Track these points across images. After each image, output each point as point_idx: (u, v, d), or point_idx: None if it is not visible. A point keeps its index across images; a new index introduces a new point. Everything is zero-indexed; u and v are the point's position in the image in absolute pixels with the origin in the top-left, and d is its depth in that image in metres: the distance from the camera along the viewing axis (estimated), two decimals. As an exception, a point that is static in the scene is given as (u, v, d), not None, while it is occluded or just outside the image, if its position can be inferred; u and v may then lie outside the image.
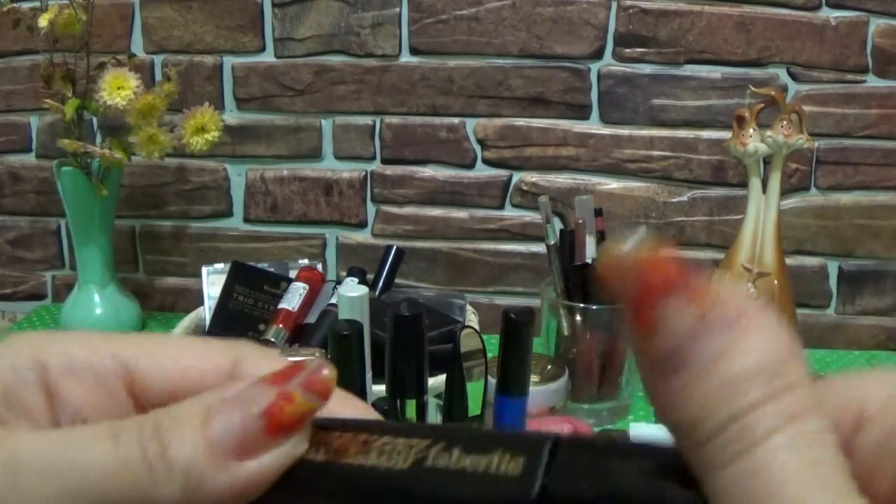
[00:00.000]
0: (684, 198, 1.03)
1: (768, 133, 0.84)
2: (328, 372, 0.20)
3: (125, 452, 0.19)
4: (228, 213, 1.09)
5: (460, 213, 1.06)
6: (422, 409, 0.56)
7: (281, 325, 0.84)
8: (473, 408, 0.60)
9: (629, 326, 0.17)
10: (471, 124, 1.04)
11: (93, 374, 0.21)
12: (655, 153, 1.02)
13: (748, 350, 0.16)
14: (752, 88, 0.93)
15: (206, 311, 0.89)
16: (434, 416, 0.63)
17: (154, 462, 0.18)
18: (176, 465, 0.18)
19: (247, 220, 1.09)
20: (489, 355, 0.63)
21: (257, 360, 0.22)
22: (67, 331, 0.23)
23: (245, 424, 0.19)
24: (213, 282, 0.91)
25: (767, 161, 0.87)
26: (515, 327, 0.58)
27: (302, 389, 0.19)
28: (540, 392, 0.75)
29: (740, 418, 0.15)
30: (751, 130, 0.85)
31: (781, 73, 0.99)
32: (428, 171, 1.06)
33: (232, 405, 0.19)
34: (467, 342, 0.71)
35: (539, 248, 1.02)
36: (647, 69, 1.00)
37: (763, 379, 0.16)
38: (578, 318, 0.84)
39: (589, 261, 0.84)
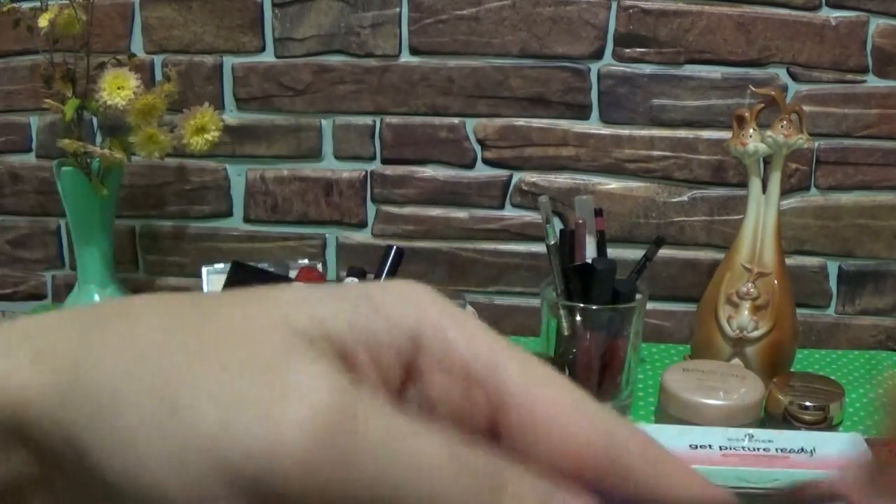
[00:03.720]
0: (684, 198, 1.03)
1: (768, 133, 0.84)
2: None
3: (456, 489, 0.17)
4: (228, 213, 1.09)
5: (460, 213, 1.06)
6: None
7: (281, 325, 0.84)
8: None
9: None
10: (471, 124, 1.04)
11: (467, 375, 0.19)
12: (655, 153, 1.02)
13: None
14: (752, 88, 0.93)
15: (206, 311, 0.89)
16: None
17: None
18: None
19: (247, 220, 1.09)
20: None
21: (443, 320, 0.20)
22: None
23: None
24: (213, 282, 0.91)
25: (767, 161, 0.87)
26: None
27: None
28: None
29: None
30: (751, 130, 0.85)
31: (781, 73, 0.99)
32: (428, 171, 1.06)
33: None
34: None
35: (539, 248, 1.02)
36: (647, 69, 1.00)
37: None
38: (578, 318, 0.84)
39: (589, 261, 0.84)
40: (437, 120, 1.04)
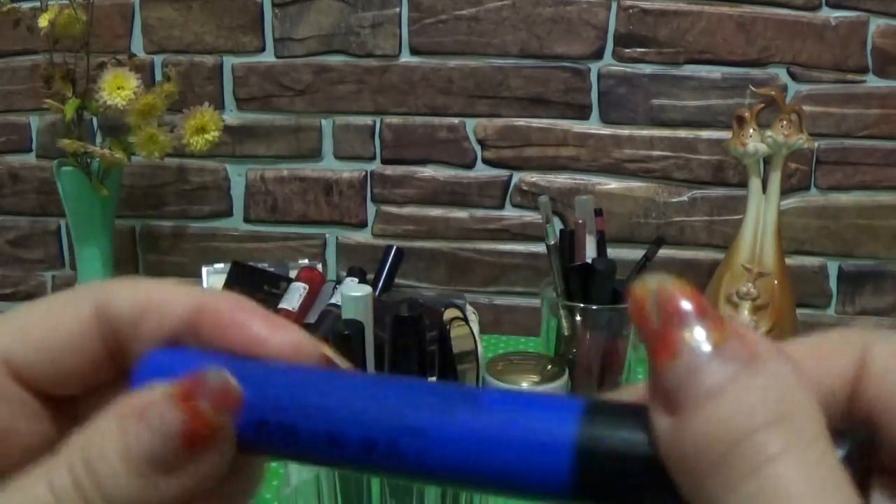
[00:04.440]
0: (684, 198, 1.03)
1: (768, 133, 0.84)
2: (233, 382, 0.20)
3: (66, 500, 0.19)
4: (228, 213, 1.09)
5: (460, 213, 1.06)
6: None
7: (281, 325, 0.84)
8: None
9: (649, 353, 0.17)
10: (471, 124, 1.04)
11: None
12: (655, 153, 1.02)
13: (759, 376, 0.17)
14: (752, 88, 0.93)
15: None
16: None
17: (94, 500, 0.19)
18: (114, 500, 0.19)
19: (247, 220, 1.09)
20: (488, 355, 0.63)
21: (123, 292, 0.22)
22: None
23: (165, 447, 0.19)
24: (213, 282, 0.91)
25: (767, 161, 0.87)
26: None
27: (212, 408, 0.20)
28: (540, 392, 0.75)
29: (747, 440, 0.16)
30: (751, 130, 0.85)
31: (781, 73, 0.99)
32: (428, 171, 1.06)
33: (148, 426, 0.19)
34: (460, 343, 0.71)
35: (539, 248, 1.02)
36: (647, 69, 1.00)
37: (770, 404, 0.16)
38: (578, 318, 0.84)
39: (589, 261, 0.84)
40: (437, 120, 1.04)
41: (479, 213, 1.06)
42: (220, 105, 1.04)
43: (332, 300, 0.83)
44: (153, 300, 0.22)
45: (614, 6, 0.99)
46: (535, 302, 0.98)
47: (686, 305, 0.17)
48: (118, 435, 0.20)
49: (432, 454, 0.19)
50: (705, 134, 1.01)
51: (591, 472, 0.18)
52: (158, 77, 1.04)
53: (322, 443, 0.20)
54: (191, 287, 0.23)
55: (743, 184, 0.90)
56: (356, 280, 0.82)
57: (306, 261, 0.95)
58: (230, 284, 0.88)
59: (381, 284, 0.87)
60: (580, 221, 0.85)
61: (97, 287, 0.23)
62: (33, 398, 0.22)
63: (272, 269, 0.92)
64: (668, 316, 0.17)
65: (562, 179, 1.04)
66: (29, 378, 0.22)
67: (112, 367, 0.23)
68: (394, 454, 0.19)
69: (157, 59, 1.05)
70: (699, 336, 0.17)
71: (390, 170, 1.06)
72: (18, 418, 0.22)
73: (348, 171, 1.07)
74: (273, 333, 0.22)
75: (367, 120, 1.05)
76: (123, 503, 0.19)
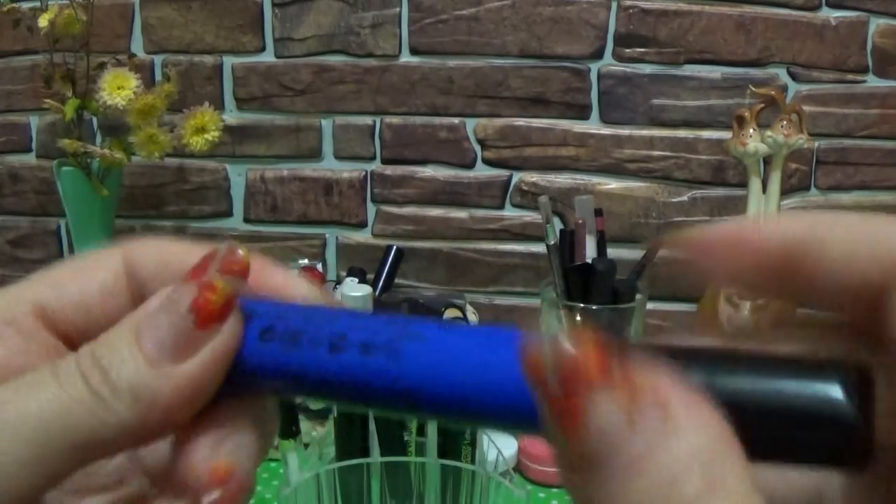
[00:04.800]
0: (684, 198, 1.03)
1: (768, 133, 0.84)
2: (242, 251, 0.20)
3: (70, 388, 0.19)
4: (228, 213, 1.09)
5: (460, 213, 1.06)
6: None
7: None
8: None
9: (549, 424, 0.16)
10: (471, 124, 1.04)
11: (10, 327, 0.21)
12: (655, 153, 1.02)
13: (678, 444, 0.15)
14: (752, 88, 0.93)
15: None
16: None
17: (99, 389, 0.19)
18: (120, 386, 0.19)
19: (247, 220, 1.09)
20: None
21: (150, 250, 0.23)
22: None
23: (176, 326, 0.19)
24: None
25: (767, 161, 0.87)
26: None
27: (221, 275, 0.20)
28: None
29: None
30: (751, 130, 0.85)
31: (781, 73, 0.99)
32: (428, 171, 1.06)
33: (159, 312, 0.19)
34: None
35: (539, 248, 1.02)
36: (647, 69, 1.00)
37: (698, 470, 0.15)
38: (578, 318, 0.84)
39: (589, 261, 0.84)
40: (437, 120, 1.04)
41: (479, 213, 1.06)
42: (220, 105, 1.04)
43: (332, 300, 0.83)
44: (174, 254, 0.23)
45: (614, 6, 0.99)
46: (535, 302, 0.98)
47: (590, 371, 0.15)
48: (130, 325, 0.20)
49: (430, 358, 0.19)
50: (705, 134, 1.01)
51: None
52: (158, 77, 1.04)
53: (323, 349, 0.20)
54: (208, 244, 0.23)
55: (743, 184, 0.90)
56: (356, 280, 0.82)
57: (306, 261, 0.95)
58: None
59: (381, 284, 0.88)
60: (580, 221, 0.85)
61: (125, 245, 0.23)
62: (64, 346, 0.22)
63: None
64: (570, 384, 0.15)
65: (562, 179, 1.04)
66: (61, 326, 0.22)
67: None
68: (392, 356, 0.19)
69: (157, 59, 1.05)
70: (607, 404, 0.15)
71: (390, 170, 1.06)
72: (44, 360, 0.22)
73: (348, 171, 1.07)
74: (289, 284, 0.22)
75: (367, 120, 1.05)
76: (130, 390, 0.19)
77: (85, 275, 0.23)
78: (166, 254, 0.23)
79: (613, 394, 0.15)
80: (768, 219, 0.19)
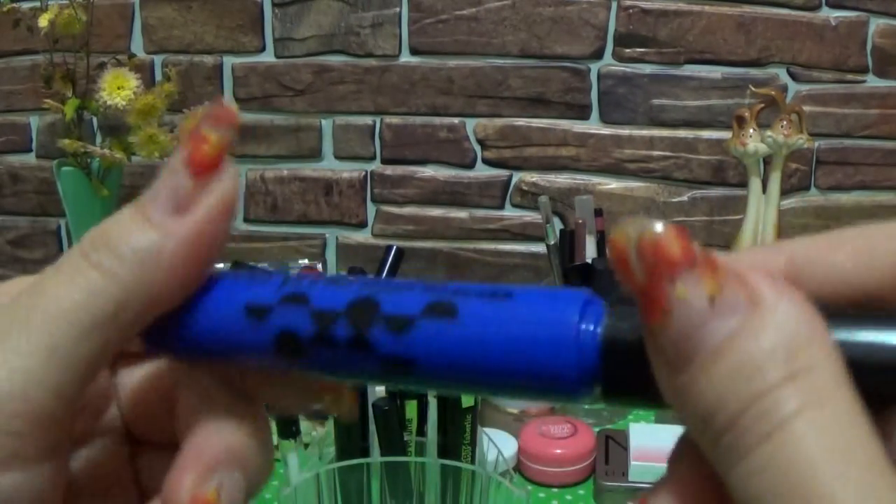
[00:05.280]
0: (684, 198, 1.03)
1: (768, 133, 0.84)
2: (229, 104, 0.21)
3: (69, 269, 0.19)
4: (228, 213, 1.09)
5: (460, 213, 1.06)
6: (423, 409, 0.56)
7: (281, 325, 0.84)
8: (466, 400, 0.60)
9: (640, 316, 0.16)
10: (471, 124, 1.04)
11: None
12: (655, 153, 1.02)
13: (764, 328, 0.15)
14: (752, 88, 0.93)
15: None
16: (434, 416, 0.63)
17: (100, 259, 0.19)
18: (121, 248, 0.19)
19: (247, 220, 1.09)
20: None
21: None
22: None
23: (173, 181, 0.19)
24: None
25: (767, 161, 0.87)
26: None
27: (211, 126, 0.20)
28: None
29: (758, 402, 0.14)
30: (751, 130, 0.85)
31: (781, 73, 0.99)
32: (428, 171, 1.06)
33: (157, 183, 0.20)
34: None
35: (539, 248, 1.02)
36: (647, 69, 1.00)
37: (781, 359, 0.14)
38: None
39: (589, 261, 0.84)
40: (437, 120, 1.04)
41: (479, 213, 1.06)
42: (220, 105, 1.04)
43: (332, 300, 0.83)
44: None
45: (614, 6, 0.99)
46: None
47: (672, 253, 0.15)
48: (131, 204, 0.20)
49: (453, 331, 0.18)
50: (705, 134, 1.01)
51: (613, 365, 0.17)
52: (158, 77, 1.04)
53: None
54: None
55: (743, 184, 0.90)
56: (356, 280, 0.82)
57: (306, 261, 0.95)
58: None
59: (381, 284, 0.87)
60: (580, 221, 0.85)
61: None
62: None
63: (272, 270, 0.92)
64: (653, 269, 0.15)
65: (562, 179, 1.04)
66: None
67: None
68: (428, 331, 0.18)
69: (157, 59, 1.05)
70: (691, 288, 0.15)
71: (390, 170, 1.06)
72: None
73: (348, 171, 1.07)
74: None
75: (367, 120, 1.05)
76: (132, 250, 0.19)
77: None
78: None
79: (695, 276, 0.15)
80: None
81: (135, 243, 0.19)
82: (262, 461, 0.21)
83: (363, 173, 1.06)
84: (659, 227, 0.15)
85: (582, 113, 1.02)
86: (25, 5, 0.90)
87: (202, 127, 0.20)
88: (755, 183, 0.87)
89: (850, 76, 0.99)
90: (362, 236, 1.08)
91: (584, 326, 0.17)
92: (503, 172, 1.05)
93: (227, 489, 0.20)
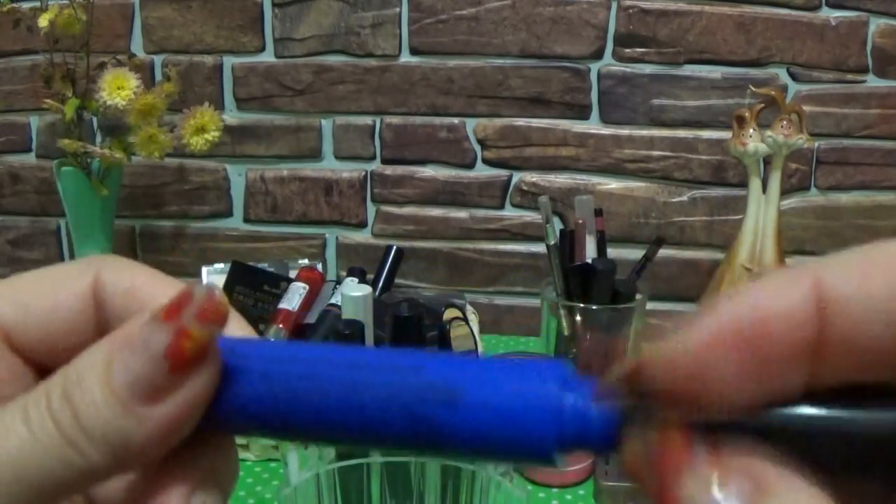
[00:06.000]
0: (684, 198, 1.03)
1: (768, 133, 0.84)
2: (219, 297, 0.19)
3: (40, 434, 0.18)
4: (228, 213, 1.09)
5: (460, 213, 1.06)
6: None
7: (281, 326, 0.84)
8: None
9: None
10: (471, 124, 1.04)
11: None
12: (655, 153, 1.02)
13: None
14: (752, 88, 0.93)
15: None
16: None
17: (71, 434, 0.18)
18: (93, 431, 0.18)
19: (247, 220, 1.09)
20: (488, 355, 0.63)
21: (119, 276, 0.22)
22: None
23: (150, 370, 0.19)
24: (213, 282, 0.90)
25: (767, 161, 0.87)
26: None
27: (198, 322, 0.19)
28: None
29: None
30: (751, 130, 0.85)
31: (781, 73, 0.99)
32: (428, 171, 1.06)
33: (132, 351, 0.19)
34: (460, 343, 0.72)
35: (539, 248, 1.02)
36: (647, 69, 1.00)
37: None
38: (578, 318, 0.84)
39: (589, 261, 0.84)
40: (437, 120, 1.04)
41: (479, 213, 1.06)
42: (220, 105, 1.04)
43: (332, 300, 0.83)
44: (144, 282, 0.22)
45: (614, 6, 0.99)
46: (535, 302, 0.98)
47: (676, 457, 0.16)
48: (100, 362, 0.19)
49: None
50: (705, 134, 1.01)
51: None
52: (158, 77, 1.04)
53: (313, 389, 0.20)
54: (178, 282, 0.22)
55: (743, 184, 0.90)
56: (356, 280, 0.82)
57: (306, 261, 0.95)
58: (230, 284, 0.88)
59: (381, 284, 0.87)
60: (580, 221, 0.85)
61: (96, 262, 0.23)
62: (24, 366, 0.22)
63: (272, 269, 0.92)
64: (663, 474, 0.16)
65: (562, 179, 1.04)
66: (23, 346, 0.22)
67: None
68: (417, 421, 0.19)
69: (157, 59, 1.05)
70: (695, 485, 0.16)
71: (390, 170, 1.06)
72: (8, 384, 0.22)
73: (348, 171, 1.07)
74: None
75: (367, 120, 1.05)
76: (103, 435, 0.18)
77: (52, 293, 0.22)
78: (136, 280, 0.22)
79: (701, 475, 0.16)
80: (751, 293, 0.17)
81: (104, 424, 0.18)
82: (234, 470, 0.22)
83: (363, 173, 1.06)
84: (661, 438, 0.16)
85: (582, 113, 1.02)
86: (25, 5, 0.90)
87: (188, 320, 0.19)
88: (755, 183, 0.87)
89: (850, 76, 0.99)
90: (362, 236, 1.08)
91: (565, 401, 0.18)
92: (503, 172, 1.05)
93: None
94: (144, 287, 0.22)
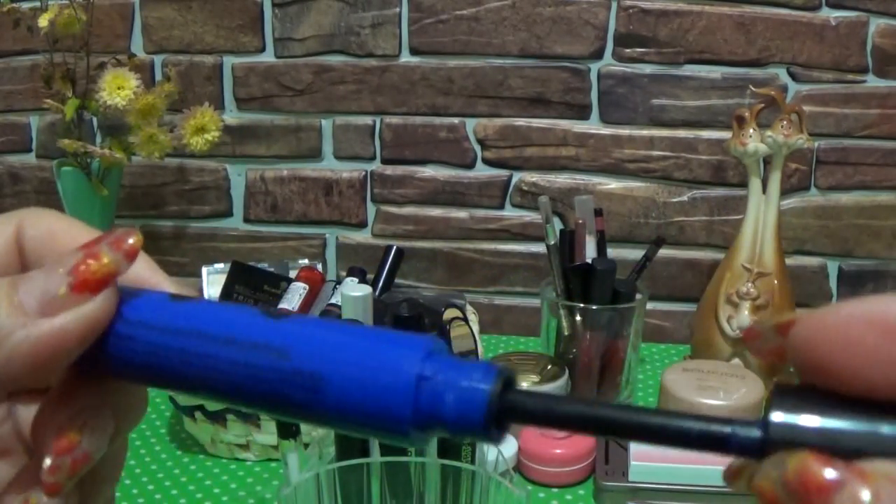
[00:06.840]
0: (684, 198, 1.03)
1: (768, 133, 0.84)
2: (135, 236, 0.21)
3: None
4: (228, 213, 1.09)
5: (460, 213, 1.06)
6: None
7: (281, 325, 0.84)
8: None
9: None
10: (471, 124, 1.04)
11: None
12: (655, 153, 1.02)
13: None
14: (752, 88, 0.93)
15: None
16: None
17: None
18: None
19: (247, 220, 1.09)
20: (488, 354, 0.63)
21: (39, 223, 0.24)
22: None
23: (49, 282, 0.20)
24: (213, 282, 0.91)
25: (767, 161, 0.87)
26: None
27: (109, 248, 0.20)
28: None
29: None
30: (751, 130, 0.85)
31: (781, 73, 0.99)
32: (428, 171, 1.06)
33: (41, 270, 0.20)
34: (460, 343, 0.72)
35: (539, 248, 1.02)
36: (647, 69, 1.00)
37: None
38: (578, 318, 0.84)
39: (589, 261, 0.84)
40: (437, 120, 1.04)
41: (479, 213, 1.06)
42: (220, 105, 1.04)
43: (332, 300, 0.83)
44: (62, 230, 0.23)
45: (614, 6, 0.99)
46: (535, 302, 0.98)
47: (820, 480, 0.16)
48: (7, 280, 0.20)
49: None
50: (705, 134, 1.01)
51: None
52: (158, 77, 1.04)
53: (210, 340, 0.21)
54: (96, 230, 0.23)
55: (743, 184, 0.90)
56: (356, 280, 0.82)
57: (306, 261, 0.95)
58: (230, 284, 0.88)
59: (381, 284, 0.88)
60: (580, 221, 0.85)
61: (19, 213, 0.24)
62: None
63: (272, 269, 0.92)
64: (807, 497, 0.16)
65: (562, 179, 1.04)
66: None
67: None
68: (282, 355, 0.20)
69: (157, 59, 1.05)
70: (845, 499, 0.15)
71: (390, 170, 1.06)
72: None
73: (348, 171, 1.07)
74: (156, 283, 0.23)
75: (367, 120, 1.05)
76: None
77: None
78: (55, 227, 0.23)
79: (850, 491, 0.15)
80: None
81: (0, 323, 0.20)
82: (136, 408, 0.23)
83: (363, 173, 1.06)
84: (800, 459, 0.16)
85: (582, 113, 1.02)
86: (25, 5, 0.90)
87: (100, 245, 0.21)
88: (755, 183, 0.87)
89: (850, 76, 0.99)
90: (362, 236, 1.08)
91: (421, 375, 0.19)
92: (503, 172, 1.05)
93: (91, 427, 0.21)
94: (63, 234, 0.23)
